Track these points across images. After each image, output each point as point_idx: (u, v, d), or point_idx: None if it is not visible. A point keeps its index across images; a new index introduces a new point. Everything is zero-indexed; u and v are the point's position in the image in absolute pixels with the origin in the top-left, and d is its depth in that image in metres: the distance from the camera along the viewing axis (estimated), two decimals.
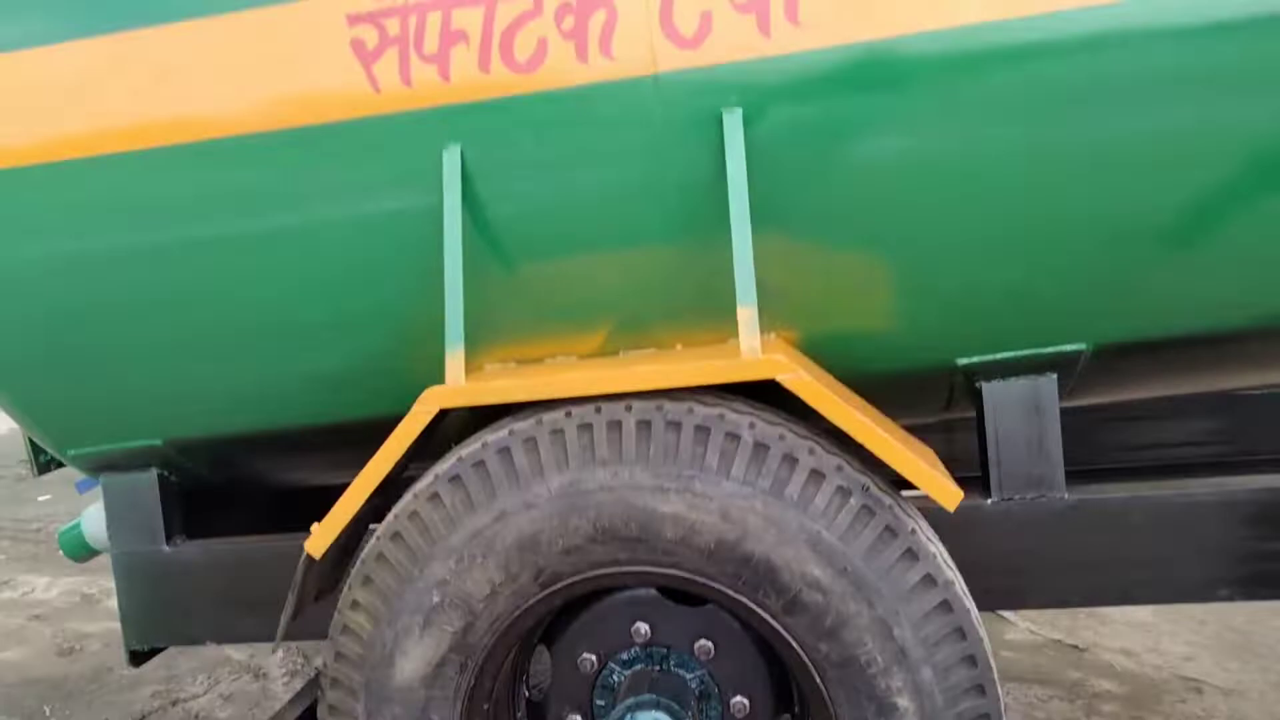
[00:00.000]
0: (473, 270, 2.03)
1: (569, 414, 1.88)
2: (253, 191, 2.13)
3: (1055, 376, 2.12)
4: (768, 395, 1.86)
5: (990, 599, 2.08)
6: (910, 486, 1.84)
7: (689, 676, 2.10)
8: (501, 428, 1.92)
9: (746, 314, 1.86)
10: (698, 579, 1.84)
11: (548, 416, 1.89)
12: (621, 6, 1.95)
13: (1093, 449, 2.80)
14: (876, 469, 1.85)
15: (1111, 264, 2.02)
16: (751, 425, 1.83)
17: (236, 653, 4.36)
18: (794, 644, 1.83)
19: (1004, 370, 2.12)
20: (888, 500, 1.82)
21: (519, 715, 2.24)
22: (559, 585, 1.89)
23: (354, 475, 1.93)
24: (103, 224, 2.20)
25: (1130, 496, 2.16)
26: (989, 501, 2.14)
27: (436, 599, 1.90)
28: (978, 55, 1.91)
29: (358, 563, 1.98)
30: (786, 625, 1.82)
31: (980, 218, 2.00)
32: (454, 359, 1.97)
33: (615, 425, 1.85)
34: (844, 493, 1.80)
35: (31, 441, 2.80)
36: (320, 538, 1.96)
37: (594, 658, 2.13)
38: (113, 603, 4.40)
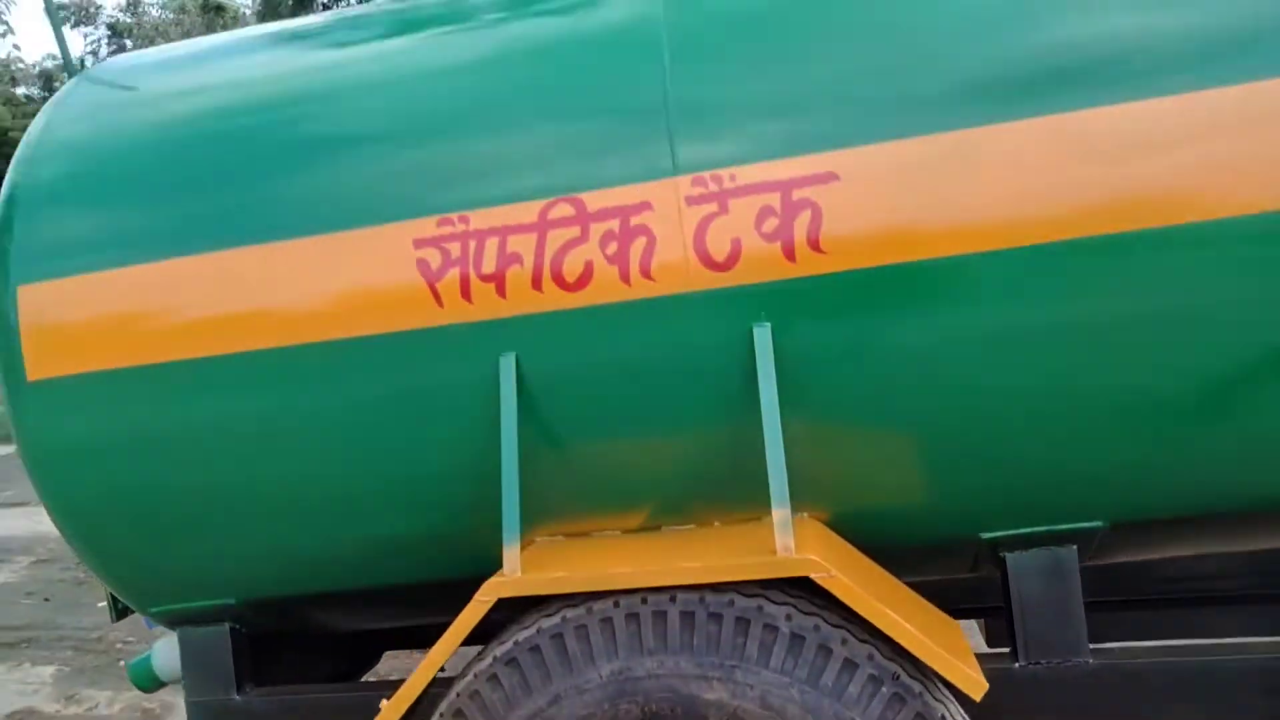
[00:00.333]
0: (526, 455, 2.20)
1: (617, 604, 2.03)
2: (326, 387, 2.33)
3: (1075, 548, 2.24)
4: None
5: None
6: None
7: None
8: (554, 613, 2.08)
9: (781, 515, 2.01)
10: None
11: (597, 605, 2.05)
12: (659, 232, 2.14)
13: (1126, 583, 2.91)
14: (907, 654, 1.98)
15: (1126, 444, 2.15)
16: (789, 616, 1.97)
17: None
18: None
19: (1026, 542, 2.26)
20: (917, 687, 1.95)
21: None
22: None
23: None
24: (189, 411, 2.41)
25: (1150, 662, 2.27)
26: (1016, 665, 2.26)
27: None
28: (995, 263, 2.07)
29: None
30: None
31: (1002, 401, 2.14)
32: (510, 552, 2.13)
33: (660, 616, 2.01)
34: (875, 681, 1.94)
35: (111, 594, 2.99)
36: (389, 716, 2.13)
37: None
38: (173, 717, 4.59)
